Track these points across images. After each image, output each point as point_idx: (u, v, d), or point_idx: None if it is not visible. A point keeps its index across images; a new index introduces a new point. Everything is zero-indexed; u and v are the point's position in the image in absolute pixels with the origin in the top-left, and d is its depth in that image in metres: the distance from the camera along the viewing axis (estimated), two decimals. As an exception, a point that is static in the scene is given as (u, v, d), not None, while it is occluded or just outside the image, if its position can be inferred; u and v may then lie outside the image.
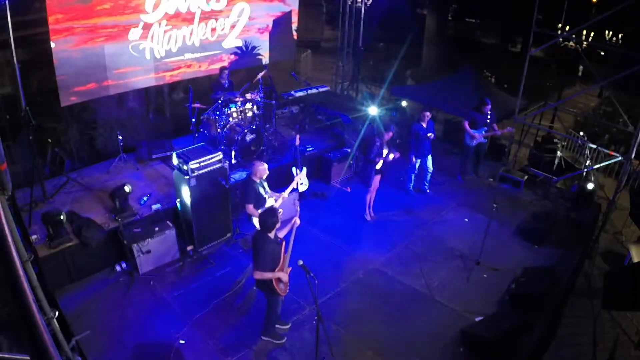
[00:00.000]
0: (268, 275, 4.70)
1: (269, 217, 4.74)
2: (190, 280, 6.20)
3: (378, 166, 7.18)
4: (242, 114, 8.35)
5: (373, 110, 8.18)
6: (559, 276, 6.44)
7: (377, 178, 7.37)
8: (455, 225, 7.69)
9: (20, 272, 1.94)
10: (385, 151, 7.10)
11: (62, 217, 5.79)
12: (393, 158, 7.23)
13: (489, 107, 8.36)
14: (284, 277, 4.83)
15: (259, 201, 5.90)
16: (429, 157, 8.15)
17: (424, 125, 7.86)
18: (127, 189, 6.31)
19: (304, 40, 14.37)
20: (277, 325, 5.39)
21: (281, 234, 5.06)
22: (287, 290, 4.99)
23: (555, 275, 6.44)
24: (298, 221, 5.10)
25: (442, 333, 5.54)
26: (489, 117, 8.47)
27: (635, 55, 7.28)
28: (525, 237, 7.37)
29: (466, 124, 8.44)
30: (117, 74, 7.68)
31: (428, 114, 7.92)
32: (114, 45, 7.44)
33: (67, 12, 6.68)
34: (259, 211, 5.80)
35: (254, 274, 4.74)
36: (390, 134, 7.11)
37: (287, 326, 5.47)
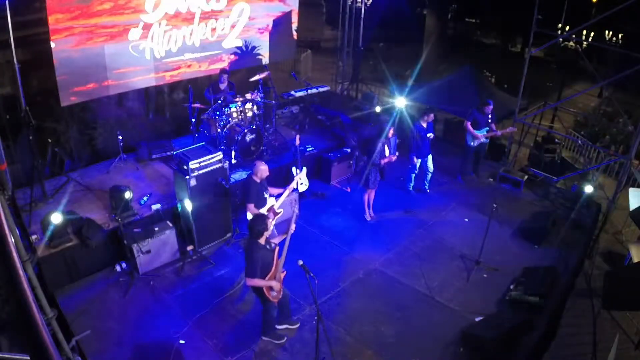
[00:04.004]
0: (259, 282, 4.71)
1: (258, 224, 4.74)
2: (190, 280, 6.20)
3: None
4: (242, 114, 8.35)
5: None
6: (559, 276, 6.44)
7: (377, 180, 7.35)
8: (455, 225, 7.69)
9: (20, 272, 1.94)
10: (387, 152, 7.09)
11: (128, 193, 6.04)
12: (394, 159, 7.25)
13: (491, 107, 8.36)
14: (276, 285, 4.82)
15: (260, 201, 5.91)
16: (429, 157, 8.15)
17: (424, 125, 7.87)
18: (127, 195, 6.23)
19: (304, 40, 14.37)
20: (286, 326, 5.41)
21: (276, 240, 5.05)
22: (280, 297, 4.98)
23: (555, 275, 6.44)
24: (293, 228, 5.05)
25: (442, 333, 5.54)
26: (489, 117, 8.48)
27: (635, 55, 7.27)
28: (525, 237, 7.37)
29: (468, 124, 8.43)
30: (117, 74, 7.68)
31: (432, 115, 7.93)
32: (114, 45, 7.44)
33: (67, 12, 6.68)
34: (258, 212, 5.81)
35: (246, 281, 4.75)
36: (391, 132, 7.09)
37: (296, 325, 5.47)
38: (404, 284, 6.32)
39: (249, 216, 5.77)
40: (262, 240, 4.77)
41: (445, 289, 6.26)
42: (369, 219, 7.64)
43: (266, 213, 5.74)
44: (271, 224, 4.97)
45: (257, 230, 4.71)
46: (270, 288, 4.83)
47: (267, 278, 4.76)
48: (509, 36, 20.56)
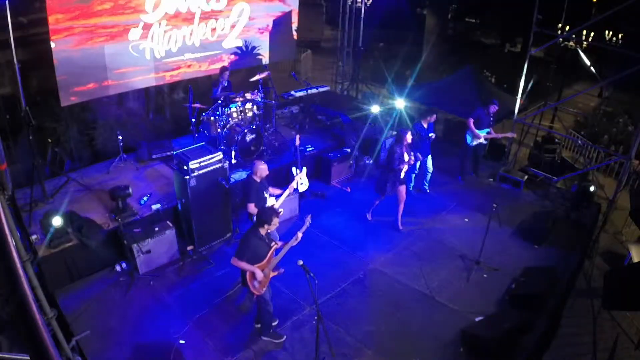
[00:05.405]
0: (242, 264, 4.71)
1: (265, 213, 4.77)
2: (190, 280, 6.20)
3: (402, 174, 7.05)
4: (242, 114, 8.35)
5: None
6: (559, 276, 6.44)
7: (403, 188, 7.20)
8: (455, 225, 7.69)
9: (20, 272, 1.94)
10: (406, 157, 6.96)
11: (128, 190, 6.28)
12: (414, 161, 7.16)
13: (496, 108, 8.36)
14: (259, 274, 4.78)
15: (260, 201, 5.90)
16: (429, 157, 8.15)
17: (425, 125, 7.86)
18: (130, 190, 6.33)
19: (304, 40, 14.36)
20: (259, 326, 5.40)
21: (279, 245, 5.04)
22: (262, 291, 4.92)
23: (555, 275, 6.45)
24: (299, 237, 5.02)
25: (442, 333, 5.54)
26: (492, 118, 8.48)
27: (635, 55, 7.27)
28: (525, 237, 7.37)
29: (471, 122, 8.39)
30: (117, 74, 7.68)
31: (434, 116, 7.92)
32: (114, 45, 7.44)
33: (67, 12, 6.68)
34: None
35: (231, 260, 4.75)
36: (409, 137, 6.96)
37: (275, 322, 5.47)
38: (404, 284, 6.32)
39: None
40: (262, 231, 4.78)
41: (445, 289, 6.26)
42: (369, 218, 7.59)
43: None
44: (275, 225, 4.95)
45: (261, 219, 4.74)
46: (254, 277, 4.80)
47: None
48: (509, 36, 20.53)
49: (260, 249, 4.80)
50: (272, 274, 4.96)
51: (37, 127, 6.47)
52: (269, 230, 4.88)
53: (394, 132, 9.21)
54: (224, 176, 6.51)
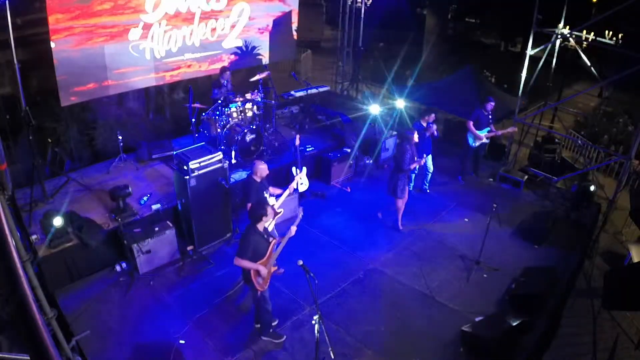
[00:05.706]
0: (246, 263, 4.73)
1: (257, 209, 4.82)
2: (190, 280, 6.20)
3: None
4: (242, 114, 8.35)
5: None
6: (559, 276, 6.44)
7: (407, 189, 7.21)
8: (455, 225, 7.69)
9: (20, 272, 1.94)
10: (415, 157, 6.96)
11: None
12: (422, 162, 7.18)
13: (493, 104, 8.35)
14: (263, 271, 4.82)
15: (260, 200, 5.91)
16: (429, 157, 8.15)
17: (424, 125, 7.85)
18: (130, 190, 6.35)
19: (304, 40, 14.38)
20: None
21: (277, 240, 5.08)
22: (266, 287, 4.97)
23: (555, 275, 6.45)
24: (294, 230, 5.05)
25: (442, 333, 5.54)
26: (490, 116, 8.48)
27: (635, 55, 7.27)
28: (525, 237, 7.37)
29: (471, 124, 8.41)
30: (117, 74, 7.68)
31: (433, 115, 7.91)
32: (114, 45, 7.45)
33: (67, 12, 6.69)
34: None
35: (234, 260, 4.78)
36: (416, 137, 6.96)
37: (275, 322, 5.48)
38: (404, 284, 6.32)
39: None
40: (260, 227, 4.82)
41: (445, 289, 6.26)
42: (401, 228, 7.42)
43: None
44: (271, 215, 4.98)
45: (256, 214, 4.78)
46: (258, 274, 4.83)
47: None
48: (509, 36, 20.55)
49: (260, 246, 4.83)
50: (272, 269, 4.99)
51: (37, 127, 6.48)
52: (265, 224, 4.91)
53: (394, 132, 9.24)
54: (224, 176, 6.51)
